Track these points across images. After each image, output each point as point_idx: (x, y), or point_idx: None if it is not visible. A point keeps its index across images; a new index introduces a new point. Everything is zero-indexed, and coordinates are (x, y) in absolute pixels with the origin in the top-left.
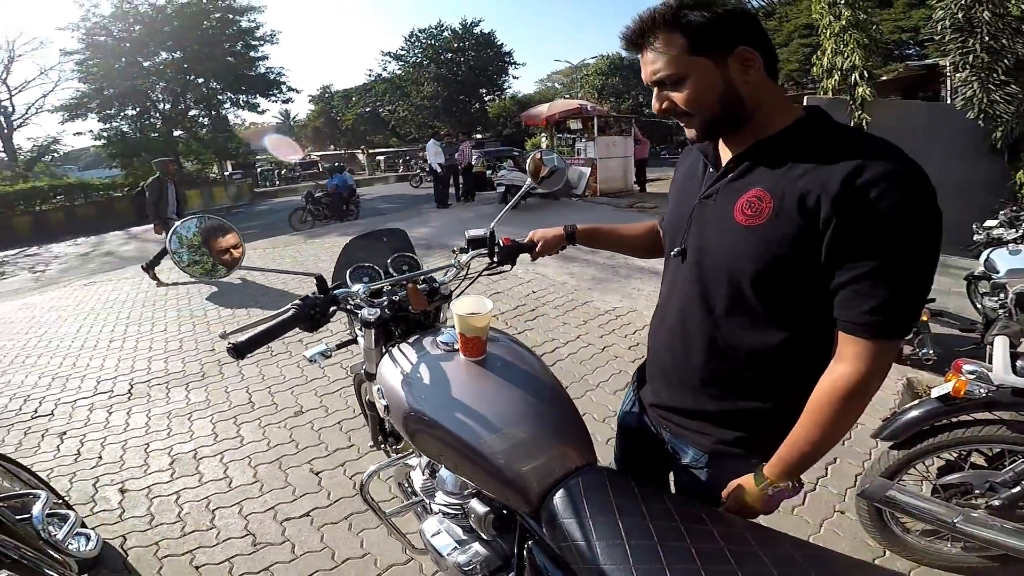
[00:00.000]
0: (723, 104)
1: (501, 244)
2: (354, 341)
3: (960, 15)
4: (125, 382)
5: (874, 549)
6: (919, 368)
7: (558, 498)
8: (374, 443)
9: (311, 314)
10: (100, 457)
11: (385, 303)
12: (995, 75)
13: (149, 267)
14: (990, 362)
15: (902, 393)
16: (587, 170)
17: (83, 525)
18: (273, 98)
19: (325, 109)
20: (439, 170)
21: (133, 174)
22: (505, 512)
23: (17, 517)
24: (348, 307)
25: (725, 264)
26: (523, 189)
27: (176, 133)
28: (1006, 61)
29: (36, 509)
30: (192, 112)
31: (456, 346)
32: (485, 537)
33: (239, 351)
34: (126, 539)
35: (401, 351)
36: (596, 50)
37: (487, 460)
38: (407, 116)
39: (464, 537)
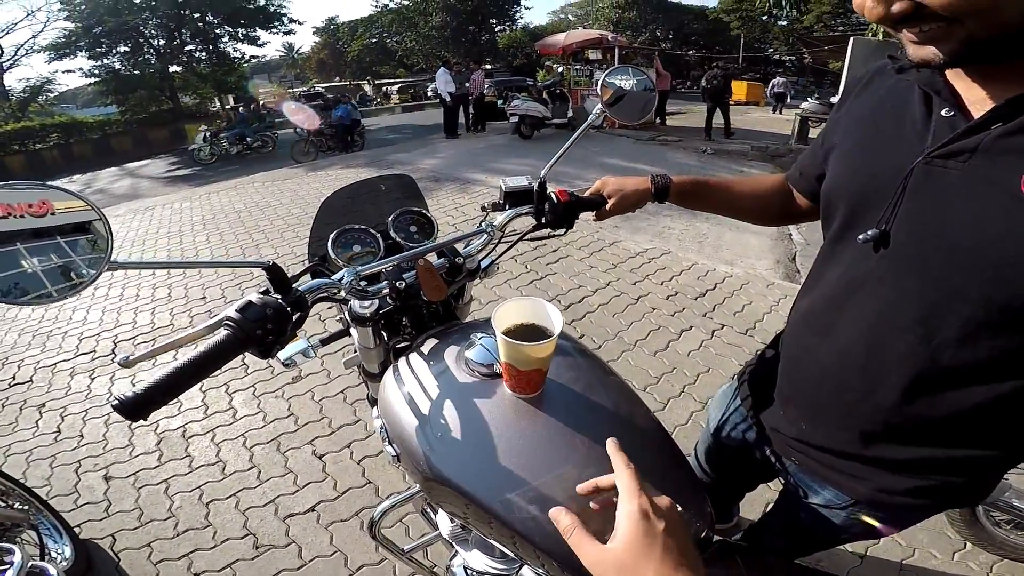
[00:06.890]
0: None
1: (555, 199)
2: (347, 333)
3: None
4: (108, 340)
5: (954, 541)
6: None
7: None
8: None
9: (257, 335)
10: (81, 436)
11: (385, 288)
12: None
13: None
14: None
15: None
16: None
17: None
18: (274, 30)
19: (330, 41)
20: (448, 100)
21: (130, 110)
22: None
23: None
24: (331, 298)
25: (983, 263)
26: (576, 136)
27: (173, 69)
28: None
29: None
30: (189, 47)
31: (497, 370)
32: None
33: (130, 411)
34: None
35: (411, 369)
36: None
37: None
38: (414, 47)
39: None
